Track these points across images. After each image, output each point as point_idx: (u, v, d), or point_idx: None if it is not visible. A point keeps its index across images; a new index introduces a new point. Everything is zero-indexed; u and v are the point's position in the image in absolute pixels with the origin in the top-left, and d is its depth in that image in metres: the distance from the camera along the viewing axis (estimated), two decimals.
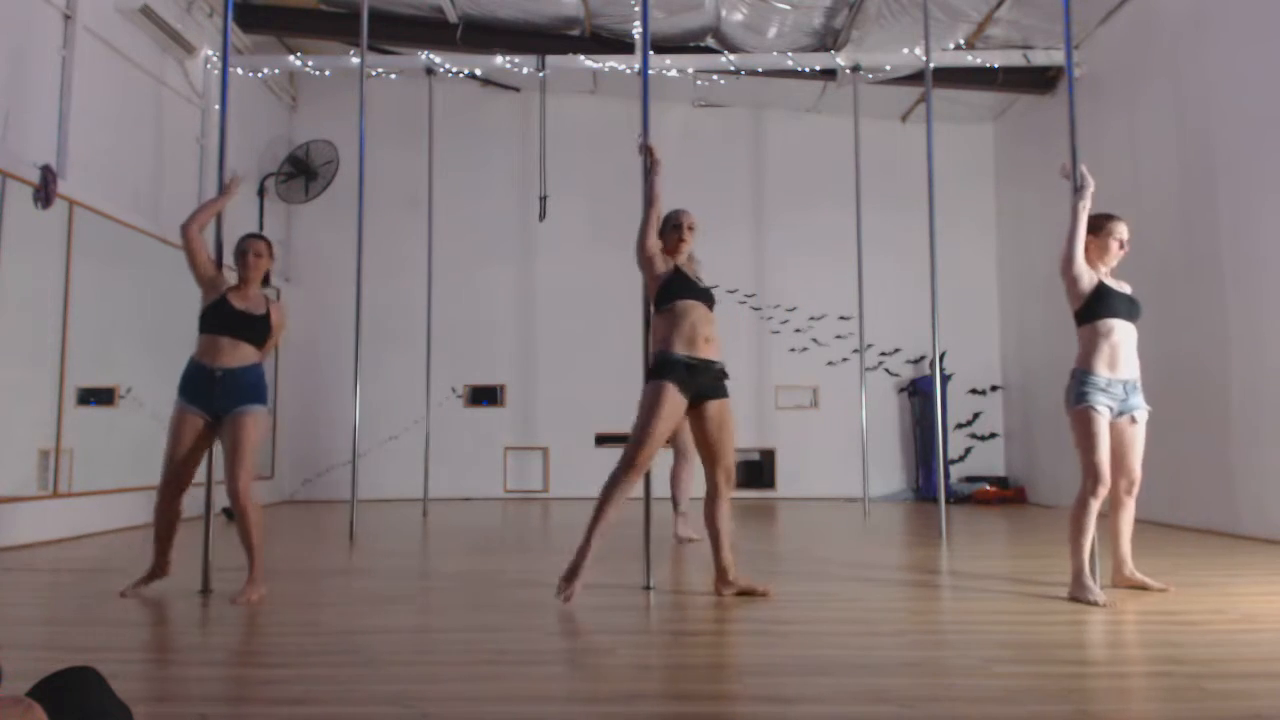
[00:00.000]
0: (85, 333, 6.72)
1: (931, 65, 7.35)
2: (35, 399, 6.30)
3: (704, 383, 4.14)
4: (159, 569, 4.19)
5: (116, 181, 7.40)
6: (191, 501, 7.14)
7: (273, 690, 2.61)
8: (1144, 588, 4.13)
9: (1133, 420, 4.13)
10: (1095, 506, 4.00)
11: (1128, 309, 4.13)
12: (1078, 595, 3.91)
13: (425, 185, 9.18)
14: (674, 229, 4.32)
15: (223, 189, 4.45)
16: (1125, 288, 4.22)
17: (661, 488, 5.93)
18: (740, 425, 10.23)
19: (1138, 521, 7.20)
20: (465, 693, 2.58)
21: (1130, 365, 4.10)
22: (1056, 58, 8.76)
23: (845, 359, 10.43)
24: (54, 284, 6.50)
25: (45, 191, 6.24)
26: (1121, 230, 4.21)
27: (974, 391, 10.54)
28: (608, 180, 10.03)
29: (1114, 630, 3.41)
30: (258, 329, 4.18)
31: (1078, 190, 4.33)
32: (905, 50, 8.79)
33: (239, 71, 9.15)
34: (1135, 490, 4.18)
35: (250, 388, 4.13)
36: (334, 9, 9.18)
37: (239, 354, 4.12)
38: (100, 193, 7.03)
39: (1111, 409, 4.06)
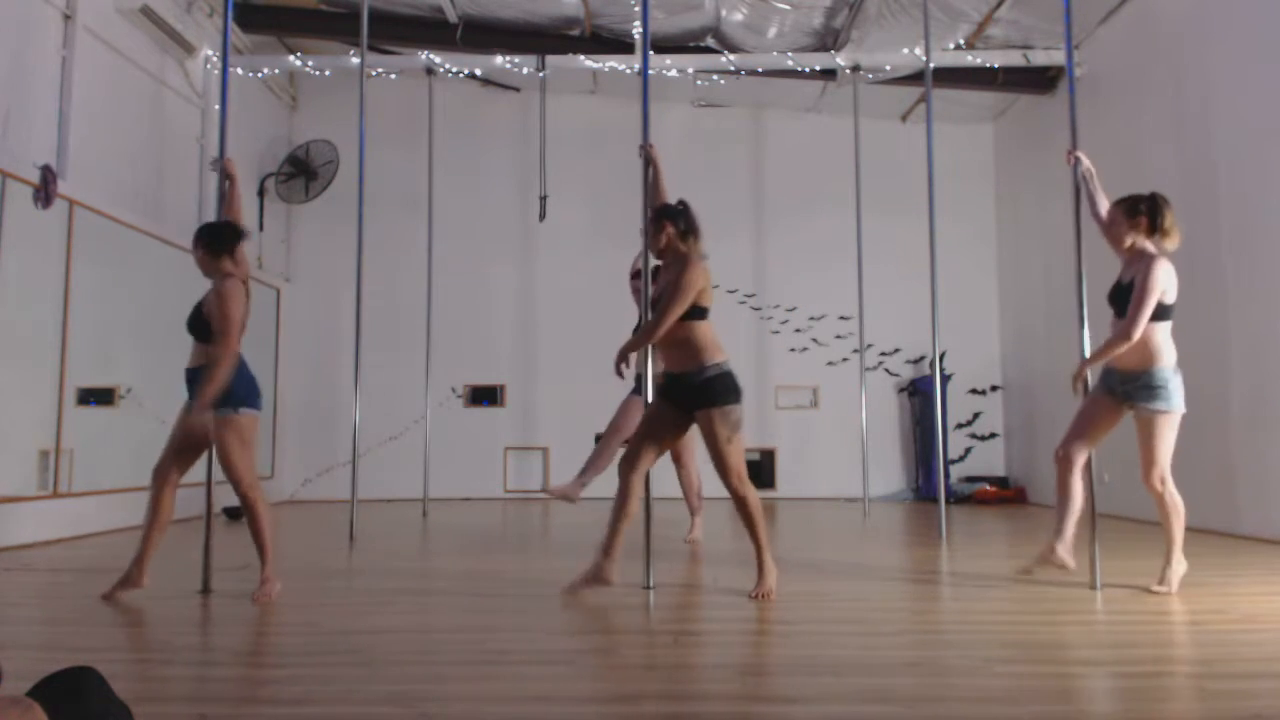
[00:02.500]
0: (85, 333, 6.71)
1: (931, 65, 7.34)
2: (35, 399, 6.30)
3: (676, 396, 4.12)
4: (137, 577, 4.01)
5: (116, 181, 7.39)
6: (192, 501, 7.14)
7: (273, 690, 2.61)
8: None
9: (1137, 413, 4.06)
10: (1059, 470, 4.06)
11: (1112, 299, 4.10)
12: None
13: (425, 185, 9.18)
14: None
15: (228, 181, 4.41)
16: (1133, 274, 4.09)
17: (662, 488, 5.91)
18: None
19: (1139, 521, 7.19)
20: (465, 693, 2.58)
21: (1118, 359, 4.03)
22: (1056, 58, 8.76)
23: (845, 359, 10.42)
24: (54, 284, 6.49)
25: (45, 191, 6.24)
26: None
27: (974, 391, 10.54)
28: (608, 180, 10.03)
29: (1114, 630, 3.41)
30: (201, 324, 4.03)
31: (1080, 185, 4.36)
32: (905, 50, 8.79)
33: (239, 71, 9.15)
34: (1151, 483, 4.13)
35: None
36: (334, 9, 9.17)
37: (195, 354, 4.06)
38: (100, 193, 7.03)
39: (1109, 390, 4.09)
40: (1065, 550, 4.11)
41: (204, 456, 4.25)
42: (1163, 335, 4.03)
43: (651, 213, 4.24)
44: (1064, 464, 4.15)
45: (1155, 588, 4.10)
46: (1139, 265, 4.07)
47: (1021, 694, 2.53)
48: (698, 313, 4.07)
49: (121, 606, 3.87)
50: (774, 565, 4.10)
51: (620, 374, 4.26)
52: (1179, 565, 4.13)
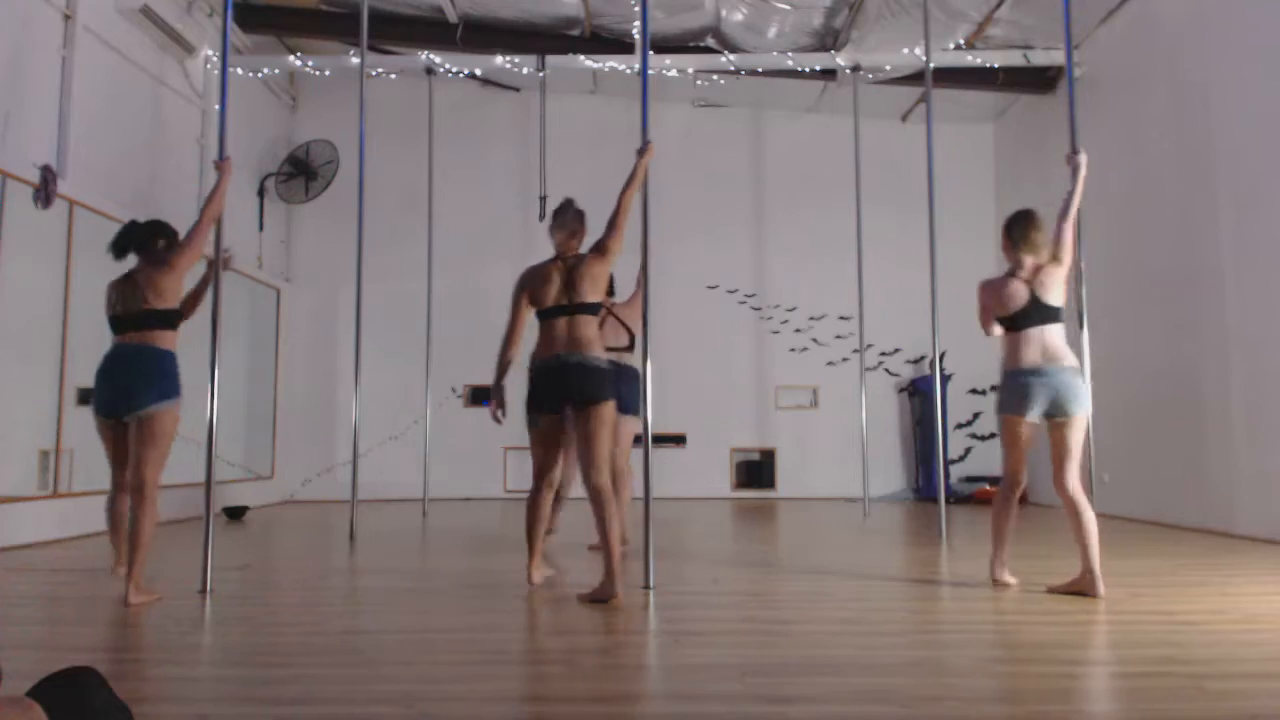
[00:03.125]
0: (85, 333, 6.71)
1: (931, 65, 7.34)
2: (35, 399, 6.30)
3: None
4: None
5: (116, 181, 7.39)
6: (191, 500, 7.13)
7: (273, 690, 2.61)
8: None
9: None
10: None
11: None
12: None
13: (425, 185, 9.18)
14: None
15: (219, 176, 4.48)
16: None
17: (662, 488, 5.92)
18: (740, 425, 10.37)
19: (1139, 521, 7.21)
20: (465, 693, 2.58)
21: None
22: (1056, 58, 8.76)
23: (845, 359, 10.42)
24: (54, 284, 6.49)
25: (45, 191, 6.24)
26: None
27: (974, 391, 10.54)
28: (608, 180, 9.96)
29: (1114, 630, 3.41)
30: None
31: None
32: (905, 50, 8.79)
33: (239, 71, 9.15)
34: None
35: None
36: (334, 9, 9.17)
37: None
38: (100, 193, 7.02)
39: None
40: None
41: (203, 456, 4.26)
42: (1007, 343, 4.22)
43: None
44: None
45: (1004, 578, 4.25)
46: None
47: (1021, 694, 2.53)
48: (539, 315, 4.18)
49: (123, 606, 3.87)
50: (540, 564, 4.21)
51: (497, 419, 4.20)
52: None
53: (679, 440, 10.13)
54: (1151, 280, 7.42)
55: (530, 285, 4.22)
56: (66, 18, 6.81)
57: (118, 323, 4.29)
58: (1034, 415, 4.08)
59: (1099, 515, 4.19)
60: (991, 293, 4.21)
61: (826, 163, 10.07)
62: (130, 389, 4.11)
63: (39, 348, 6.34)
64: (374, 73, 9.55)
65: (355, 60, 8.28)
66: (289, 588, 4.38)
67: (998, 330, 4.23)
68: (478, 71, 9.70)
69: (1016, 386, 4.12)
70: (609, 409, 4.03)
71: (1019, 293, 4.14)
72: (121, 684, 2.06)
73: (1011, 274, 4.20)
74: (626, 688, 2.67)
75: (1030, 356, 4.10)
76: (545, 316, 4.13)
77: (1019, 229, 4.21)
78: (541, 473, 4.12)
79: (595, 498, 3.99)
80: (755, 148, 10.85)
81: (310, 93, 10.73)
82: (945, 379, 9.62)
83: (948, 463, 10.02)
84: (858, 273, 8.56)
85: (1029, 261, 4.17)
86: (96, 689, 1.88)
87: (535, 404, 4.07)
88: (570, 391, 4.00)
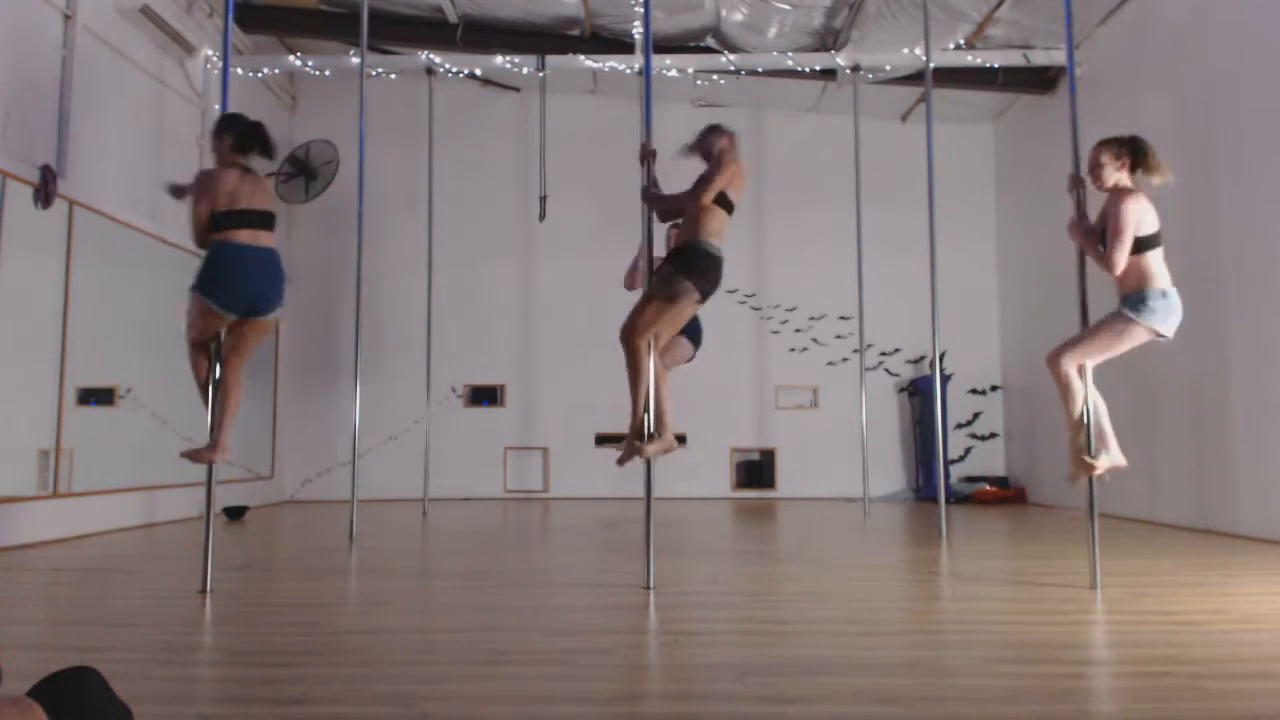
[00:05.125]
0: (85, 333, 6.71)
1: (931, 65, 7.34)
2: (35, 399, 6.30)
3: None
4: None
5: (116, 181, 7.39)
6: (191, 501, 7.12)
7: (273, 690, 2.61)
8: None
9: None
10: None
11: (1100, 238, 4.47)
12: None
13: (425, 185, 9.18)
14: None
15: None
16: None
17: (664, 488, 5.90)
18: (740, 425, 10.37)
19: (1139, 521, 7.21)
20: (465, 693, 2.58)
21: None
22: (1056, 58, 8.76)
23: (845, 359, 10.43)
24: (54, 284, 6.49)
25: (45, 191, 6.24)
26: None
27: (974, 391, 10.53)
28: (608, 180, 10.03)
29: (1114, 630, 3.41)
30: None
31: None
32: (905, 50, 8.79)
33: (239, 71, 9.14)
34: (1050, 356, 4.63)
35: None
36: (334, 9, 9.17)
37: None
38: (100, 193, 7.03)
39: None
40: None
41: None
42: (1147, 262, 4.35)
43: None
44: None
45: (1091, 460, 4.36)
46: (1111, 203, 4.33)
47: (1021, 694, 2.53)
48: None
49: (123, 606, 3.87)
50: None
51: None
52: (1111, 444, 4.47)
53: (679, 440, 10.12)
54: None
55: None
56: (66, 18, 6.80)
57: (246, 218, 4.30)
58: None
59: (1101, 516, 4.18)
60: (1144, 210, 4.23)
61: (826, 163, 10.07)
62: (270, 294, 4.56)
63: (39, 348, 6.34)
64: (374, 73, 9.55)
65: (355, 60, 8.28)
66: (289, 588, 4.38)
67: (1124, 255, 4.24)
68: (478, 71, 9.70)
69: (1171, 306, 4.43)
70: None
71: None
72: (121, 684, 2.06)
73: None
74: (626, 688, 2.67)
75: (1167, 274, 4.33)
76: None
77: (1148, 151, 4.29)
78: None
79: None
80: (755, 148, 10.85)
81: (310, 93, 10.73)
82: (945, 379, 9.62)
83: (948, 463, 10.02)
84: (858, 272, 8.56)
85: (1156, 182, 4.30)
86: (96, 689, 1.88)
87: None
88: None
